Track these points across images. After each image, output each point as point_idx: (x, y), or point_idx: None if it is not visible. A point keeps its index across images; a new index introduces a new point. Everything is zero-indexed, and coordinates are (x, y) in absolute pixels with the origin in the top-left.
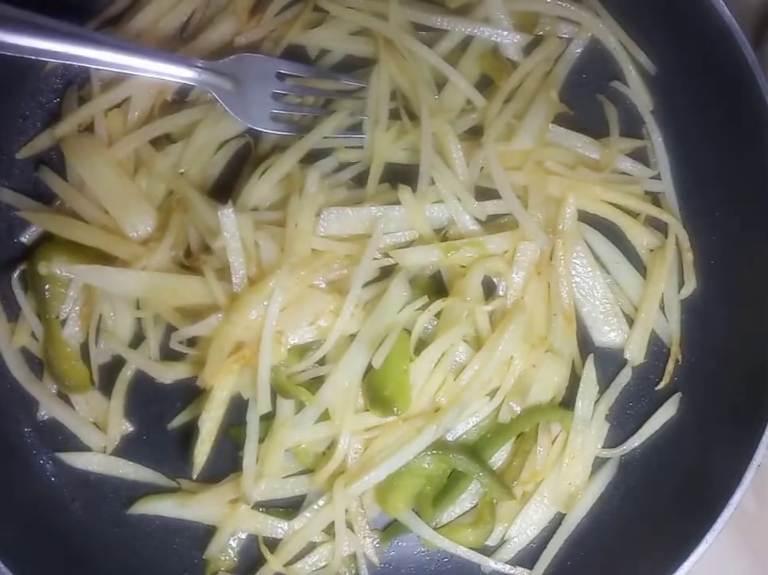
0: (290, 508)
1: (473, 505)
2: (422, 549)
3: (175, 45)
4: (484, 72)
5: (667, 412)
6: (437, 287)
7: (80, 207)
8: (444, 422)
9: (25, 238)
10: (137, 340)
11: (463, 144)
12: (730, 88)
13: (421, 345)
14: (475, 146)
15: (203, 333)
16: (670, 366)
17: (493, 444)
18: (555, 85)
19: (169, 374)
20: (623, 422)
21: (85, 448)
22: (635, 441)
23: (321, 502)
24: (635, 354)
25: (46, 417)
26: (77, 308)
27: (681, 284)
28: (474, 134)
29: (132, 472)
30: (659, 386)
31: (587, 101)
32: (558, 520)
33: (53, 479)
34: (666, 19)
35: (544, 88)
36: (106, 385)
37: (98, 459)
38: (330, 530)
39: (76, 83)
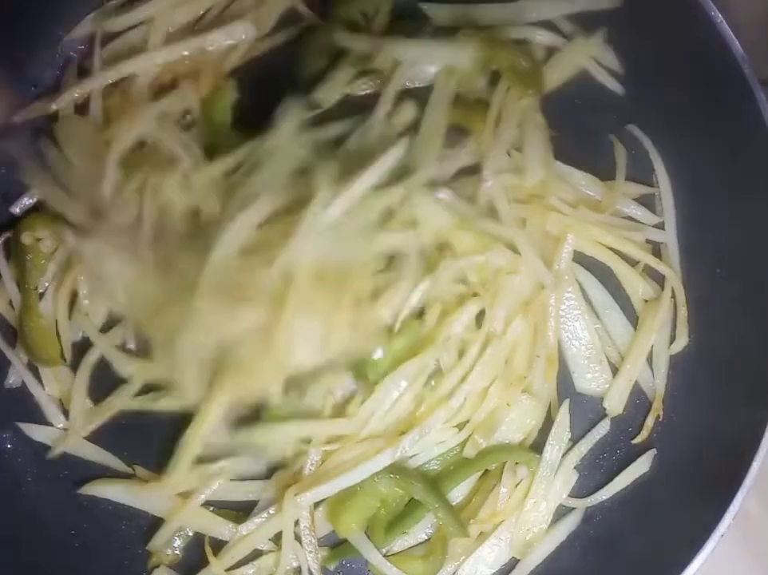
0: (241, 512)
1: (427, 538)
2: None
3: (184, 35)
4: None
5: (639, 468)
6: None
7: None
8: (402, 444)
9: (17, 209)
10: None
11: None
12: (747, 145)
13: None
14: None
15: None
16: (649, 422)
17: (455, 477)
18: (535, 108)
19: (129, 367)
20: (594, 471)
21: (47, 422)
22: (604, 494)
23: (272, 510)
24: (615, 405)
25: (14, 386)
26: (55, 283)
27: (672, 339)
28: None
29: (90, 453)
30: (636, 440)
31: (599, 142)
32: (513, 564)
33: (8, 446)
34: (687, 68)
35: (528, 114)
36: (77, 362)
37: (58, 435)
38: (278, 540)
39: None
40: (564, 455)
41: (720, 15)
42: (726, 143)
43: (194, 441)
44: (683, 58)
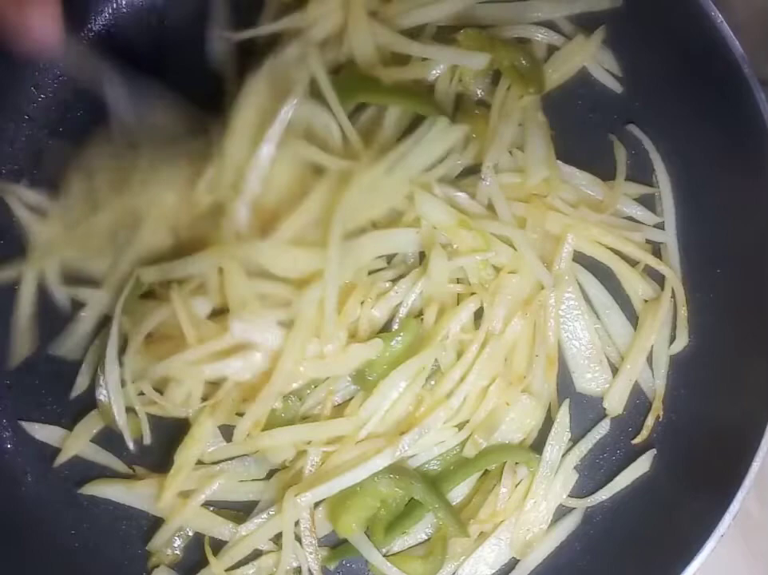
0: (241, 512)
1: (427, 538)
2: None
3: None
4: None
5: (639, 468)
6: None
7: None
8: (402, 444)
9: None
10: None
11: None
12: (747, 145)
13: (394, 365)
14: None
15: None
16: (649, 422)
17: (455, 477)
18: (536, 107)
19: None
20: (594, 471)
21: (49, 420)
22: (604, 494)
23: (272, 511)
24: (615, 405)
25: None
26: None
27: (672, 339)
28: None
29: (91, 452)
30: (636, 440)
31: (599, 142)
32: (513, 564)
33: (8, 446)
34: (687, 68)
35: (529, 113)
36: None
37: (60, 434)
38: (278, 541)
39: None
40: (564, 455)
41: (720, 15)
42: (726, 143)
43: (189, 454)
44: (683, 58)
